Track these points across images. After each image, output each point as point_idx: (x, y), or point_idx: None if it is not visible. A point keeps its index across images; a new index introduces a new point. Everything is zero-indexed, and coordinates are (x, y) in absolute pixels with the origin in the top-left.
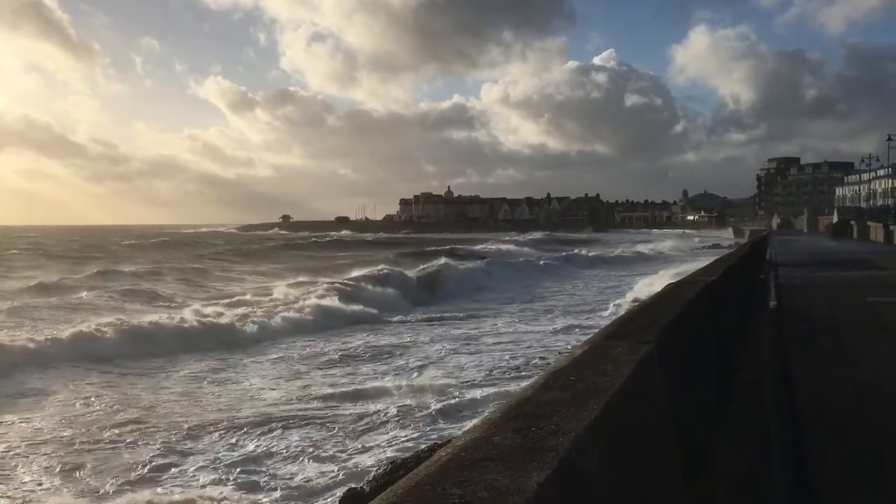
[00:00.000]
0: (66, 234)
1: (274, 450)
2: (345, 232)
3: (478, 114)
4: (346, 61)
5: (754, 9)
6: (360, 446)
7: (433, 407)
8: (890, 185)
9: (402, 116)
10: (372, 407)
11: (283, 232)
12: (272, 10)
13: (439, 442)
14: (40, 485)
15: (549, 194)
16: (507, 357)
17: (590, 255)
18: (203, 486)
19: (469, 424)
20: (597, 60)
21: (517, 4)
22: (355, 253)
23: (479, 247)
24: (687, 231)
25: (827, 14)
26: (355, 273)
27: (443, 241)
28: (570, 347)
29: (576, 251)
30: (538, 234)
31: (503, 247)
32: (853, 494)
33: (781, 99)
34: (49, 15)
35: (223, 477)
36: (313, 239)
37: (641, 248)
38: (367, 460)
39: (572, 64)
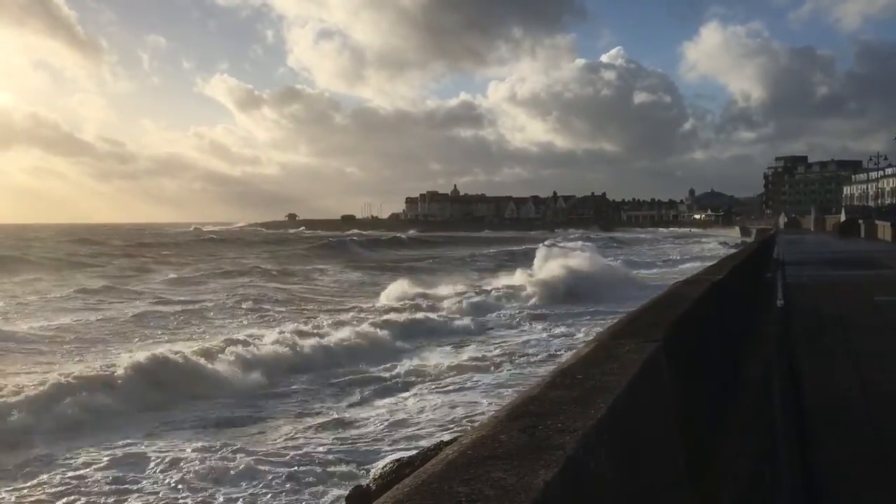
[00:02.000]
0: (87, 233)
1: None
2: (379, 232)
3: (485, 112)
4: (354, 58)
5: (767, 4)
6: None
7: None
8: None
9: (409, 114)
10: None
11: (306, 232)
12: (280, 7)
13: (445, 440)
14: None
15: (555, 193)
16: None
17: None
18: None
19: None
20: (604, 58)
21: (527, 1)
22: (446, 251)
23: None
24: (693, 230)
25: (842, 9)
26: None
27: (487, 240)
28: None
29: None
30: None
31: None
32: (860, 494)
33: (791, 97)
34: (56, 12)
35: None
36: (375, 237)
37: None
38: None
39: (580, 62)
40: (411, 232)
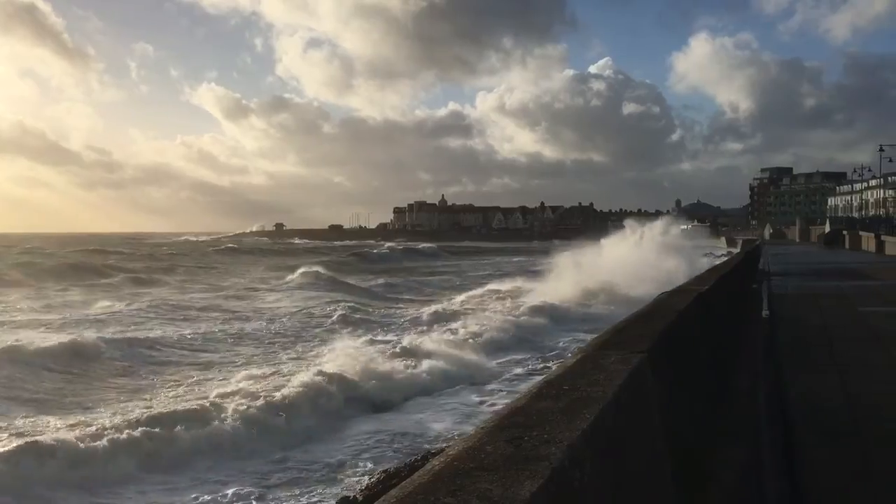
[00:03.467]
0: (80, 243)
1: None
2: (395, 242)
3: (475, 122)
4: (343, 68)
5: (757, 16)
6: None
7: None
8: (881, 196)
9: (398, 124)
10: None
11: (310, 242)
12: (269, 15)
13: (432, 451)
14: None
15: (542, 203)
16: None
17: None
18: None
19: None
20: (592, 69)
21: (518, 11)
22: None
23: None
24: None
25: (831, 21)
26: None
27: (514, 250)
28: None
29: None
30: None
31: None
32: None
33: (779, 108)
34: (43, 20)
35: None
36: (394, 248)
37: None
38: None
39: (568, 72)
40: (431, 244)
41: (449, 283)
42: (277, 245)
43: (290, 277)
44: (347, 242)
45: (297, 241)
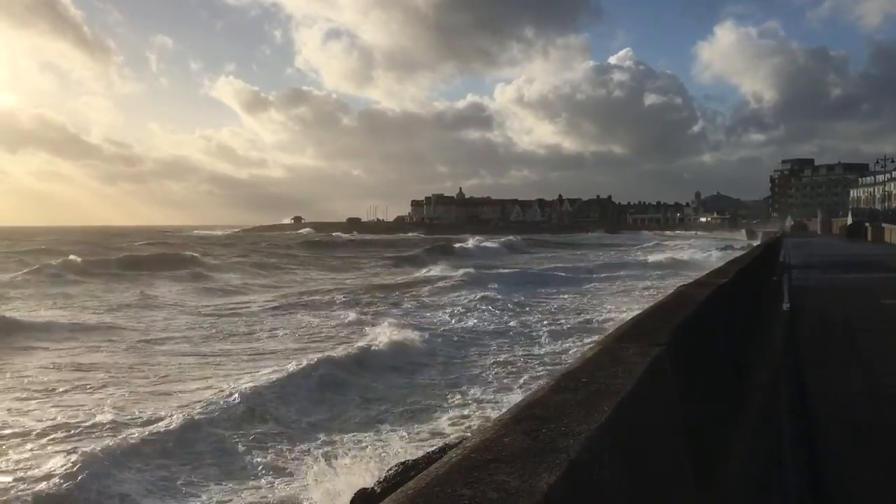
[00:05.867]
0: (126, 236)
1: None
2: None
3: (494, 113)
4: (362, 59)
5: (786, 2)
6: None
7: None
8: None
9: (417, 116)
10: None
11: (353, 235)
12: (289, 6)
13: (450, 443)
14: None
15: (560, 196)
16: None
17: None
18: None
19: None
20: (613, 60)
21: (541, 0)
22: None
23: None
24: (699, 233)
25: (863, 7)
26: None
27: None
28: None
29: None
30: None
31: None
32: (866, 498)
33: (803, 98)
34: (63, 12)
35: None
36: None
37: None
38: None
39: (589, 63)
40: (516, 237)
41: (634, 274)
42: (330, 238)
43: (440, 271)
44: (413, 234)
45: (342, 234)
